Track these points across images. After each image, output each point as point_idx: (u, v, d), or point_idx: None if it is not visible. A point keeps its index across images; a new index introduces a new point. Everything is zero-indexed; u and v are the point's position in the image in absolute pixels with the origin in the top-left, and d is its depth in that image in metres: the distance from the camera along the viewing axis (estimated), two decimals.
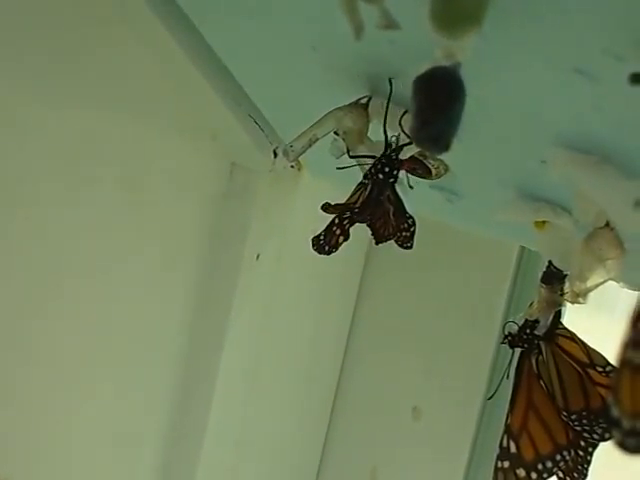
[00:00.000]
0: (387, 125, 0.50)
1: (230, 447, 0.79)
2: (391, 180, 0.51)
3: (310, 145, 0.53)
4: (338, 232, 0.52)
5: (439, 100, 0.35)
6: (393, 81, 0.47)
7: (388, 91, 0.48)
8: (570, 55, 0.35)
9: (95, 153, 0.64)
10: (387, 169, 0.50)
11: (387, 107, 0.48)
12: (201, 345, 0.75)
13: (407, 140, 0.49)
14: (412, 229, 0.53)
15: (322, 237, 0.52)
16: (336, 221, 0.52)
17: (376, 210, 0.52)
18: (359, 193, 0.52)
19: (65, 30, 0.59)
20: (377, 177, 0.51)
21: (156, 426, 0.76)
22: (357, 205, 0.52)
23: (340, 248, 0.53)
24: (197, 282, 0.74)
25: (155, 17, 0.59)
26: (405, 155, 0.51)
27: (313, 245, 0.52)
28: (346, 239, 0.52)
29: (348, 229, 0.52)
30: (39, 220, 0.62)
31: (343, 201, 0.52)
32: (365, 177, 0.52)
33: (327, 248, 0.52)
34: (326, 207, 0.52)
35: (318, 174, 0.73)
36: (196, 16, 0.57)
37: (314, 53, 0.49)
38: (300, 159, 0.64)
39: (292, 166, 0.73)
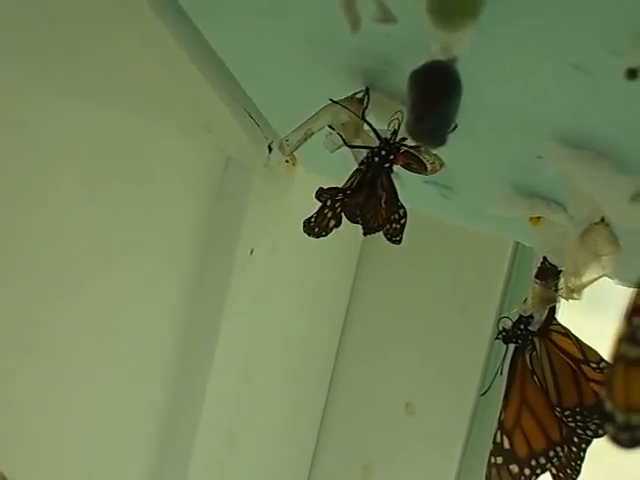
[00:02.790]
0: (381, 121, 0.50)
1: (223, 443, 0.79)
2: (386, 165, 0.50)
3: (305, 139, 0.52)
4: (329, 215, 0.51)
5: (434, 95, 0.34)
6: (388, 75, 0.47)
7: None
8: (566, 50, 0.34)
9: (93, 148, 0.63)
10: (384, 152, 0.50)
11: (363, 111, 0.49)
12: (195, 340, 0.75)
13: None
14: (402, 221, 0.52)
15: (313, 219, 0.52)
16: (328, 203, 0.51)
17: (369, 197, 0.51)
18: (354, 178, 0.51)
19: (66, 28, 0.59)
20: (372, 160, 0.50)
21: (149, 422, 0.76)
22: (350, 187, 0.51)
23: (332, 235, 0.52)
24: (191, 276, 0.74)
25: (152, 12, 0.59)
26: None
27: (304, 227, 0.52)
28: (337, 225, 0.52)
29: (340, 213, 0.52)
30: (41, 218, 0.62)
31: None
32: (361, 164, 0.51)
33: (317, 230, 0.52)
34: (319, 193, 0.51)
35: (313, 169, 0.73)
36: (193, 11, 0.57)
37: (310, 47, 0.49)
38: (295, 154, 0.64)
39: (287, 161, 0.73)
